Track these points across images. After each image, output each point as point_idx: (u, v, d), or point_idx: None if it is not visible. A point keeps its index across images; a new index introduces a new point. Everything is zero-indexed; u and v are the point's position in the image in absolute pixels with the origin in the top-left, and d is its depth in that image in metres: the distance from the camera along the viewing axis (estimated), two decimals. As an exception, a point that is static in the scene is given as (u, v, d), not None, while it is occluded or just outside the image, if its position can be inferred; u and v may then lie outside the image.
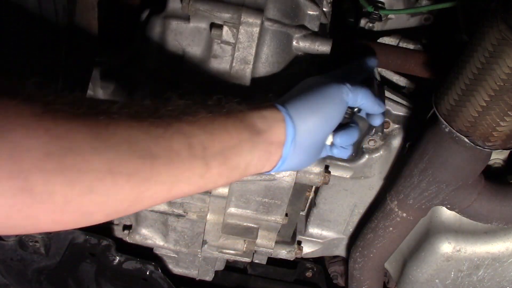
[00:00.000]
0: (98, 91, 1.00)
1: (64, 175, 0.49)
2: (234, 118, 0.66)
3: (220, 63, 0.91)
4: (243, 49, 0.88)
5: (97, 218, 0.55)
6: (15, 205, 0.47)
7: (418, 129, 1.00)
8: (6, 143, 0.45)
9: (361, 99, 0.78)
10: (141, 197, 0.56)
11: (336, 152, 0.83)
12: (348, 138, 0.81)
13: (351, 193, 1.19)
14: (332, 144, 0.82)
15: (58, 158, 0.48)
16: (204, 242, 1.10)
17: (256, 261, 1.22)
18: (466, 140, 0.85)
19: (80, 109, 0.52)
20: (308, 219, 1.26)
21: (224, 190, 0.98)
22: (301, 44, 0.91)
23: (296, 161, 0.74)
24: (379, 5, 1.10)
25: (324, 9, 0.97)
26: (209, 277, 1.25)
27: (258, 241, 1.08)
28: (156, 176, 0.56)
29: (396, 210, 1.05)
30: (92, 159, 0.51)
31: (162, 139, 0.57)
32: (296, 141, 0.72)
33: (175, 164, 0.58)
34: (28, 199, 0.47)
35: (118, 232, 1.17)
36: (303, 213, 1.28)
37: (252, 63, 0.89)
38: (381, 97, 1.03)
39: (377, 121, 0.87)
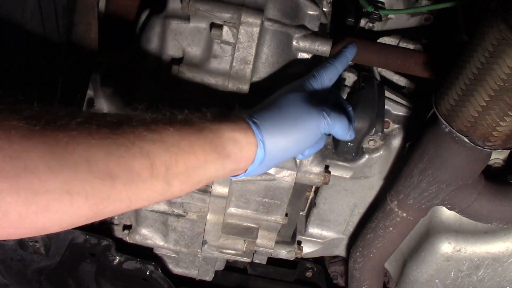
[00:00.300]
0: (98, 91, 1.00)
1: (18, 195, 0.48)
2: (203, 139, 0.64)
3: (220, 63, 0.91)
4: (243, 49, 0.88)
5: (52, 231, 0.55)
6: None
7: (418, 129, 1.00)
8: None
9: (336, 130, 0.79)
10: (100, 214, 0.56)
11: (300, 157, 0.85)
12: (315, 150, 0.83)
13: (351, 193, 1.19)
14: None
15: (11, 178, 0.47)
16: (204, 242, 1.10)
17: (256, 261, 1.22)
18: (466, 140, 0.85)
19: (37, 125, 0.50)
20: (308, 219, 1.26)
21: (224, 190, 0.98)
22: (301, 44, 0.91)
23: (259, 172, 0.75)
24: (379, 5, 1.10)
25: (324, 9, 0.97)
26: (209, 277, 1.25)
27: (258, 241, 1.08)
28: (115, 195, 0.55)
29: (396, 210, 1.05)
30: (48, 179, 0.49)
31: (123, 159, 0.55)
32: (264, 161, 0.72)
33: (136, 184, 0.57)
34: None
35: (118, 232, 1.17)
36: (303, 213, 1.28)
37: (252, 63, 0.89)
38: (381, 98, 1.04)
39: (345, 139, 0.85)
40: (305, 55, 0.93)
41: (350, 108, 0.89)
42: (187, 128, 0.63)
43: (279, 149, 0.72)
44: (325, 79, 0.83)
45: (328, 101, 0.82)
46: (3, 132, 0.48)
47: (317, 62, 0.95)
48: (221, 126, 0.67)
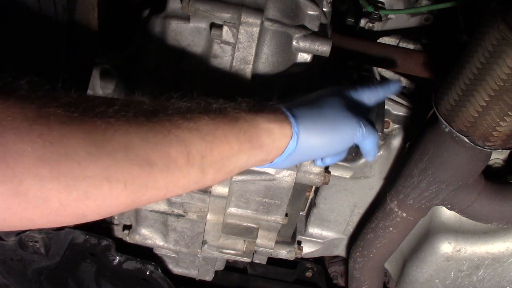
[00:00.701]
0: (98, 91, 1.00)
1: (58, 181, 0.48)
2: (238, 129, 0.65)
3: (220, 63, 0.91)
4: (243, 49, 0.88)
5: (91, 219, 0.55)
6: (10, 208, 0.47)
7: (418, 129, 1.00)
8: None
9: (367, 144, 0.78)
10: (137, 202, 0.56)
11: (319, 163, 0.86)
12: (335, 160, 0.84)
13: (351, 193, 1.19)
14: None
15: (53, 164, 0.47)
16: (204, 242, 1.10)
17: (256, 261, 1.22)
18: (466, 140, 0.85)
19: (75, 112, 0.51)
20: (308, 219, 1.26)
21: (224, 190, 0.98)
22: (301, 44, 0.91)
23: (284, 165, 0.76)
24: (379, 5, 1.10)
25: (324, 9, 0.97)
26: (209, 277, 1.25)
27: (258, 241, 1.08)
28: (153, 183, 0.56)
29: (396, 210, 1.05)
30: (88, 165, 0.50)
31: (161, 146, 0.56)
32: (292, 155, 0.72)
33: (172, 172, 0.57)
34: (23, 203, 0.47)
35: (118, 232, 1.17)
36: (303, 213, 1.28)
37: (252, 63, 0.89)
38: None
39: (369, 157, 0.84)
40: (305, 55, 0.93)
41: (380, 134, 0.90)
42: (222, 118, 0.64)
43: (311, 146, 0.72)
44: (365, 96, 0.82)
45: (364, 115, 0.82)
46: (43, 119, 0.48)
47: (317, 63, 0.95)
48: (256, 117, 0.67)
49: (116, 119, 0.53)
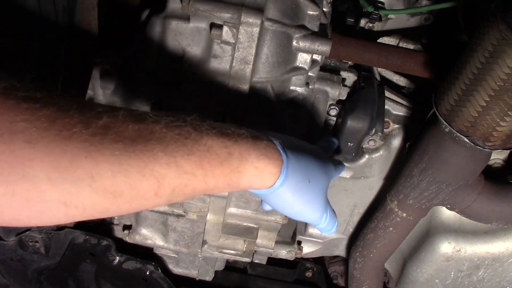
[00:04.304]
0: (98, 91, 1.00)
1: (12, 200, 0.47)
2: (221, 171, 0.60)
3: (220, 63, 0.91)
4: (243, 49, 0.88)
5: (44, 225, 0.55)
6: None
7: (418, 129, 1.00)
8: None
9: (322, 230, 0.80)
10: (95, 218, 0.55)
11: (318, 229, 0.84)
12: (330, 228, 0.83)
13: (351, 193, 1.19)
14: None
15: (8, 183, 0.46)
16: (204, 242, 1.10)
17: (256, 261, 1.22)
18: (466, 140, 0.85)
19: (48, 131, 0.48)
20: (308, 219, 1.25)
21: (224, 190, 0.98)
22: (301, 44, 0.91)
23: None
24: (379, 5, 1.10)
25: (324, 9, 0.97)
26: (209, 277, 1.25)
27: (258, 241, 1.08)
28: (115, 210, 0.54)
29: (396, 210, 1.05)
30: (46, 190, 0.48)
31: (131, 179, 0.52)
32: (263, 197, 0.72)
33: (138, 202, 0.55)
34: None
35: (118, 232, 1.17)
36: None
37: (252, 63, 0.89)
38: (381, 98, 1.04)
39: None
40: (305, 55, 0.93)
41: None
42: (208, 158, 0.59)
43: (282, 201, 0.71)
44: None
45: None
46: (8, 135, 0.46)
47: (317, 63, 0.95)
48: (244, 162, 0.62)
49: (91, 144, 0.50)
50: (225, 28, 0.87)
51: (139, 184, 0.53)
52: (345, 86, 1.07)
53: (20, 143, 0.46)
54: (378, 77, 1.12)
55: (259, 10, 0.86)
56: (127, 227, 1.13)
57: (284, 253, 1.18)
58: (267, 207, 0.83)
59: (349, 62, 1.09)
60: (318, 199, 0.74)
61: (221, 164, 0.60)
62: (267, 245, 1.09)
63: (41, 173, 0.47)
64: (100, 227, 1.18)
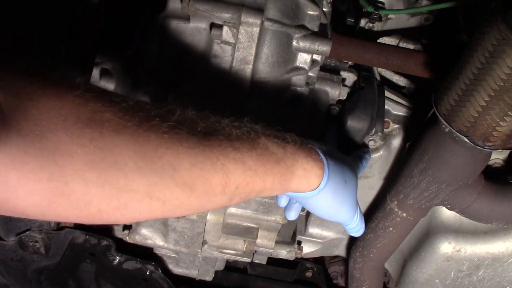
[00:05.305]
0: (98, 91, 1.01)
1: (103, 189, 0.48)
2: (277, 171, 0.65)
3: (220, 63, 0.91)
4: (243, 49, 0.88)
5: (121, 223, 0.56)
6: (51, 205, 0.47)
7: (418, 129, 1.00)
8: (48, 143, 0.44)
9: (352, 232, 0.85)
10: (167, 216, 0.58)
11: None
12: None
13: (351, 193, 1.19)
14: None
15: (100, 171, 0.47)
16: (204, 242, 1.09)
17: (256, 261, 1.22)
18: (466, 140, 0.85)
19: (130, 121, 0.50)
20: (308, 219, 1.26)
21: (224, 190, 0.98)
22: (301, 44, 0.91)
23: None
24: (379, 5, 1.10)
25: (324, 9, 0.97)
26: (209, 277, 1.25)
27: (258, 241, 1.08)
28: (188, 205, 0.56)
29: (396, 210, 1.05)
30: (135, 179, 0.49)
31: (206, 172, 0.56)
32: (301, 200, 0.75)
33: (207, 198, 0.58)
34: (65, 203, 0.47)
35: (118, 232, 1.17)
36: (303, 213, 1.28)
37: (252, 63, 0.89)
38: (381, 98, 1.04)
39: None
40: (305, 55, 0.93)
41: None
42: (268, 156, 0.64)
43: (318, 205, 0.75)
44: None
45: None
46: (95, 123, 0.47)
47: (317, 63, 0.95)
48: (295, 162, 0.68)
49: (170, 136, 0.53)
50: (225, 28, 0.87)
51: (211, 177, 0.56)
52: (345, 86, 1.07)
53: (108, 132, 0.48)
54: (378, 77, 1.12)
55: (259, 10, 0.86)
56: (127, 227, 1.13)
57: (284, 253, 1.18)
58: (291, 216, 0.86)
59: (349, 62, 1.09)
60: (352, 199, 0.78)
61: (278, 162, 0.65)
62: (267, 245, 1.09)
63: (130, 161, 0.49)
64: (100, 227, 1.18)
